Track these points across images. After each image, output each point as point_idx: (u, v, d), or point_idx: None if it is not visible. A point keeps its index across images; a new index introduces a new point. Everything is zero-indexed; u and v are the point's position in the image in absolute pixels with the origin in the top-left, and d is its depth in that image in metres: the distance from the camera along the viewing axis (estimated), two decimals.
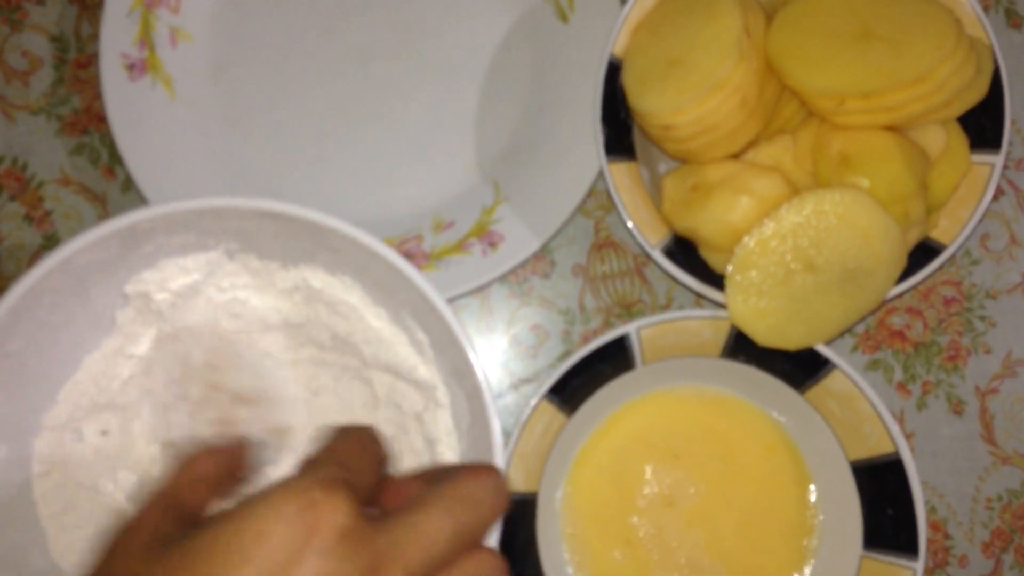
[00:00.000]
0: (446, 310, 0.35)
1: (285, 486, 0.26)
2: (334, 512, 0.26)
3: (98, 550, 0.29)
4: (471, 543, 0.29)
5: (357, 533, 0.26)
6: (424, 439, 0.38)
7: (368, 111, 0.51)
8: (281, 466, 0.39)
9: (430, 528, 0.28)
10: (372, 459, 0.30)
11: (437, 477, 0.30)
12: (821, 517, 0.46)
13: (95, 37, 0.49)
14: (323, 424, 0.39)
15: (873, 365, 0.50)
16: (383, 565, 0.26)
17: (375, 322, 0.39)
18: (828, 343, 0.43)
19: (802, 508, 0.46)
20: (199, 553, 0.26)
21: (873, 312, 0.50)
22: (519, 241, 0.47)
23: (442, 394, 0.38)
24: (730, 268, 0.41)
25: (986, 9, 0.52)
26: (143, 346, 0.38)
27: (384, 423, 0.38)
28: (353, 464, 0.29)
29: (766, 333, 0.42)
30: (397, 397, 0.38)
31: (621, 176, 0.44)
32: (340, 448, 0.30)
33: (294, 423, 0.39)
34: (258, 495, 0.26)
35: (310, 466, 0.29)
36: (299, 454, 0.38)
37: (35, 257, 0.50)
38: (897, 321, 0.50)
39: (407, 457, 0.38)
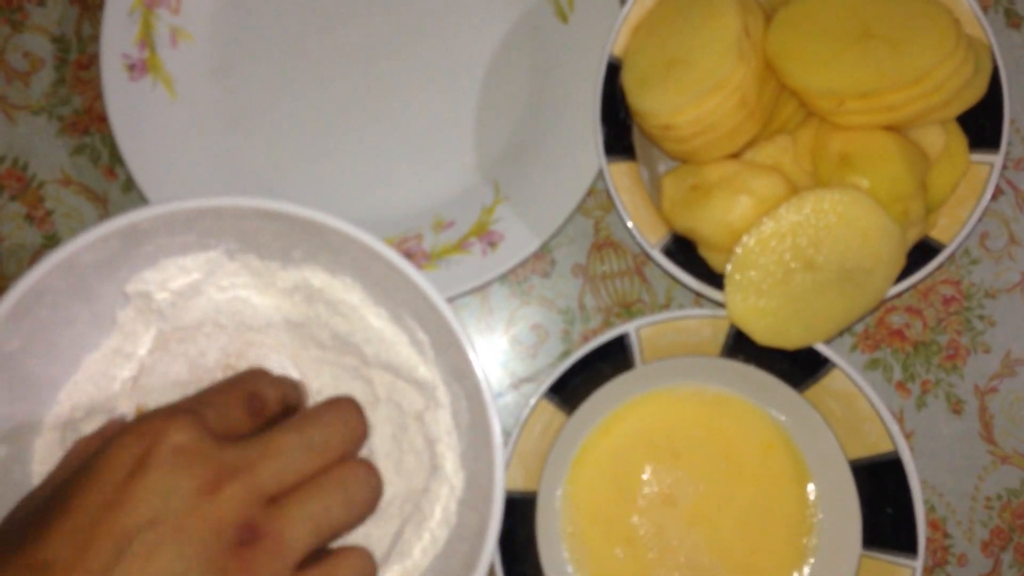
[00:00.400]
0: (446, 310, 0.35)
1: (133, 420, 0.29)
2: (172, 433, 0.28)
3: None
4: (330, 458, 0.31)
5: (196, 449, 0.28)
6: (424, 438, 0.38)
7: (368, 111, 0.51)
8: None
9: (277, 441, 0.30)
10: (239, 396, 0.32)
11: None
12: (820, 516, 0.46)
13: (96, 37, 0.50)
14: None
15: (872, 364, 0.50)
16: (227, 476, 0.28)
17: (376, 322, 0.39)
18: (827, 342, 0.44)
19: (802, 507, 0.47)
20: (72, 489, 0.28)
21: (872, 311, 0.50)
22: (519, 241, 0.48)
23: (442, 393, 0.38)
24: (729, 267, 0.41)
25: (985, 9, 0.52)
26: (144, 346, 0.38)
27: (384, 422, 0.38)
28: (219, 404, 0.31)
29: (765, 332, 0.42)
30: (397, 396, 0.38)
31: (621, 176, 0.44)
32: (211, 392, 0.33)
33: None
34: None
35: (171, 405, 0.31)
36: None
37: (36, 257, 0.50)
38: (896, 320, 0.51)
39: (407, 456, 0.38)
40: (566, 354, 0.49)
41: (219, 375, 0.38)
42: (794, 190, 0.42)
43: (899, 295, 0.50)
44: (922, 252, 0.44)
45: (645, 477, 0.47)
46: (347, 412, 0.32)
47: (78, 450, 0.33)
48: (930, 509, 0.49)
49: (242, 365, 0.39)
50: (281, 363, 0.39)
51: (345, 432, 0.32)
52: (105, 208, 0.50)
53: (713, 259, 0.43)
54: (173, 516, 0.27)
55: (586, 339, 0.50)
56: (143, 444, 0.28)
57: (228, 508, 0.28)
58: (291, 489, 0.30)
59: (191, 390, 0.38)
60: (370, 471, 0.32)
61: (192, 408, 0.30)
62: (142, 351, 0.38)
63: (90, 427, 0.37)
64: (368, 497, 0.32)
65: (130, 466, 0.28)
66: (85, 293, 0.36)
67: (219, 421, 0.30)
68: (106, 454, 0.28)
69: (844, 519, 0.45)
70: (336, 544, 0.32)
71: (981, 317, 0.51)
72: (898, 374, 0.50)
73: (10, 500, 0.36)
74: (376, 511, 0.33)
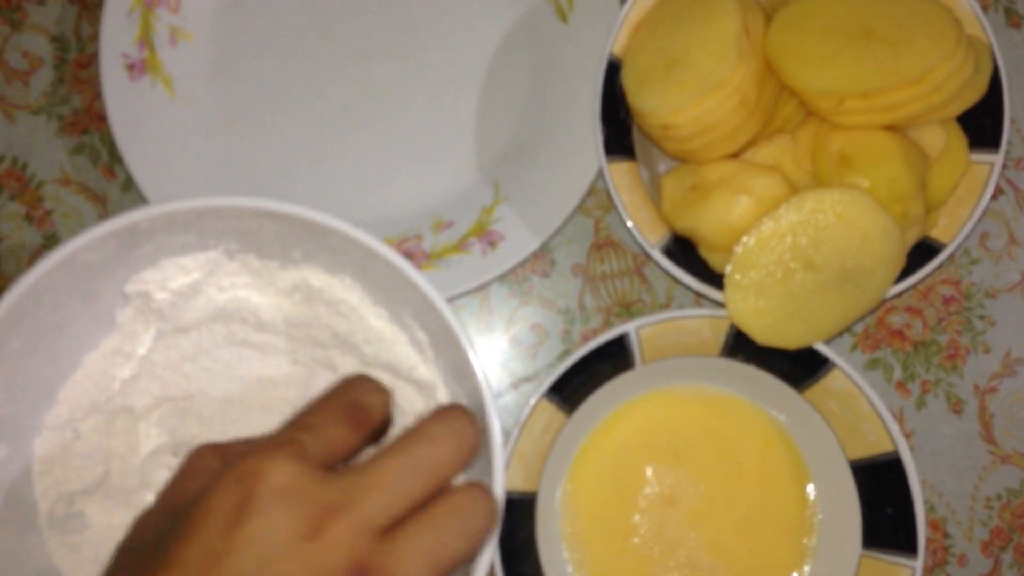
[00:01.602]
0: (446, 309, 0.35)
1: (232, 462, 0.27)
2: (272, 474, 0.27)
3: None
4: (443, 479, 0.29)
5: (298, 488, 0.27)
6: None
7: (368, 111, 0.51)
8: None
9: (383, 468, 0.28)
10: (340, 410, 0.30)
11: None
12: (820, 516, 0.46)
13: (95, 37, 0.49)
14: None
15: (872, 364, 0.50)
16: (332, 514, 0.26)
17: (375, 322, 0.39)
18: (827, 342, 0.43)
19: (802, 507, 0.47)
20: (172, 539, 0.27)
21: (872, 311, 0.50)
22: (519, 240, 0.47)
23: (442, 393, 0.38)
24: (729, 267, 0.41)
25: (985, 8, 0.52)
26: (143, 345, 0.38)
27: None
28: (320, 425, 0.29)
29: (765, 332, 0.42)
30: (397, 396, 0.38)
31: (621, 176, 0.44)
32: (311, 411, 0.30)
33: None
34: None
35: (270, 435, 0.29)
36: None
37: (35, 257, 0.50)
38: (896, 320, 0.51)
39: None
40: (566, 354, 0.49)
41: (218, 376, 0.38)
42: (794, 190, 0.42)
43: (899, 295, 0.50)
44: (922, 252, 0.44)
45: (646, 477, 0.47)
46: (457, 423, 0.29)
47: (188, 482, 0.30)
48: (930, 509, 0.49)
49: (242, 367, 0.39)
50: (281, 363, 0.39)
51: (457, 447, 0.29)
52: (104, 208, 0.50)
53: (713, 259, 0.43)
54: (279, 564, 0.26)
55: (586, 339, 0.50)
56: (242, 488, 0.26)
57: (336, 550, 0.26)
58: (403, 518, 0.28)
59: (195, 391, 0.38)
60: (486, 497, 0.29)
61: (291, 438, 0.28)
62: (142, 351, 0.38)
63: (89, 426, 0.37)
64: (486, 525, 0.29)
65: (230, 513, 0.26)
66: (85, 293, 0.36)
67: (321, 447, 0.29)
68: (205, 501, 0.27)
69: (844, 519, 0.45)
70: None
71: (981, 317, 0.51)
72: (898, 374, 0.50)
73: (10, 500, 0.36)
74: None
